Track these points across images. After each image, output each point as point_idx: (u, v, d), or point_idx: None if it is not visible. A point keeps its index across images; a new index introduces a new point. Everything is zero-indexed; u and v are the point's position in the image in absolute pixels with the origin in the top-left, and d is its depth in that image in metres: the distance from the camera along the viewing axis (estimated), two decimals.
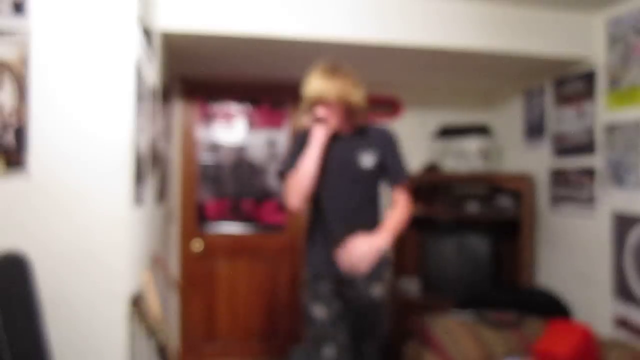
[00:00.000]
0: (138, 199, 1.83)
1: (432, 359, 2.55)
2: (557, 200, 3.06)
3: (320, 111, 1.99)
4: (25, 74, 1.62)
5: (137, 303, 1.73)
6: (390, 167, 2.08)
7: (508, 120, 3.60)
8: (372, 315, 2.10)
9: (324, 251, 2.05)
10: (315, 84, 1.99)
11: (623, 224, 2.54)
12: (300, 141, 2.10)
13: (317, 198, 2.07)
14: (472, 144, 3.37)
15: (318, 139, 1.98)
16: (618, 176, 2.59)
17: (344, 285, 2.04)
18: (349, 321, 2.07)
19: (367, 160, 2.04)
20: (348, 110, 2.02)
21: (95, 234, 1.66)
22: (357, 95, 2.02)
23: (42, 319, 1.47)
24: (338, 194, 2.03)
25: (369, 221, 2.04)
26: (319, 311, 2.03)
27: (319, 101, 1.98)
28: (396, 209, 2.05)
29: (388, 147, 2.10)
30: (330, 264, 2.00)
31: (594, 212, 2.75)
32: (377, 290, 2.07)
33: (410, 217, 2.07)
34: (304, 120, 2.12)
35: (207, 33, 2.38)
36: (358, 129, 2.10)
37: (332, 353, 1.99)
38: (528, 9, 2.68)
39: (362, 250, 1.86)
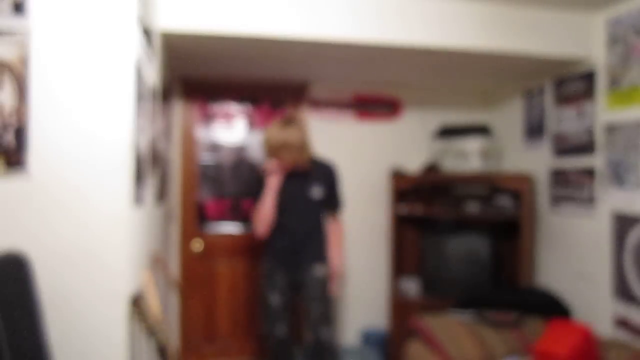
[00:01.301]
0: (138, 198, 1.83)
1: (432, 359, 2.55)
2: (557, 200, 3.06)
3: (271, 164, 2.64)
4: (25, 74, 1.62)
5: (137, 303, 1.73)
6: (331, 197, 2.76)
7: (508, 120, 3.60)
8: (318, 290, 2.68)
9: (281, 253, 2.70)
10: (274, 134, 2.60)
11: (623, 224, 2.55)
12: (261, 180, 2.74)
13: (278, 217, 2.68)
14: (472, 144, 3.37)
15: (271, 187, 2.65)
16: (618, 176, 2.59)
17: (293, 271, 2.69)
18: (301, 300, 2.71)
19: (316, 192, 2.70)
20: (300, 151, 2.62)
21: (95, 233, 1.66)
22: (308, 140, 2.68)
23: (42, 319, 1.47)
24: (295, 216, 2.69)
25: (317, 233, 2.74)
26: (275, 298, 2.68)
27: (276, 149, 2.59)
28: (335, 236, 2.79)
29: (332, 181, 2.76)
30: (285, 261, 2.69)
31: (594, 212, 2.75)
32: (320, 271, 2.69)
33: (340, 236, 2.84)
34: (266, 163, 2.70)
35: (207, 33, 2.38)
36: (310, 165, 2.70)
37: (284, 330, 2.68)
38: (528, 9, 2.69)
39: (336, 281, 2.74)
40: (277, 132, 2.59)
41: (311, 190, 2.70)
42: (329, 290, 2.71)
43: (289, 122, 2.63)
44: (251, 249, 3.47)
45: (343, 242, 2.82)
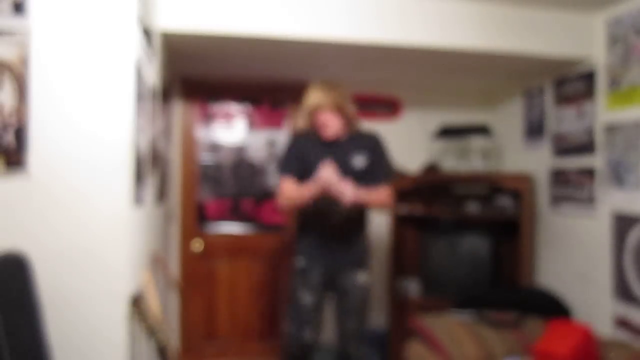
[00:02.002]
0: (138, 198, 1.83)
1: (432, 359, 2.55)
2: (557, 200, 3.06)
3: (323, 117, 2.30)
4: (25, 74, 1.62)
5: (137, 303, 1.73)
6: (377, 167, 2.38)
7: (508, 120, 3.60)
8: (357, 301, 2.40)
9: (316, 243, 2.40)
10: (315, 94, 2.30)
11: (623, 224, 2.54)
12: (297, 145, 2.43)
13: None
14: (472, 144, 3.37)
15: (322, 181, 2.19)
16: (618, 176, 2.59)
17: (332, 273, 2.39)
18: (335, 307, 2.44)
19: (359, 161, 2.35)
20: (343, 119, 2.33)
21: (95, 233, 1.66)
22: (350, 107, 2.36)
23: (42, 319, 1.47)
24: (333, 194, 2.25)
25: (359, 219, 2.42)
26: (307, 298, 2.38)
27: (318, 110, 2.29)
28: (379, 193, 2.34)
29: (376, 149, 2.41)
30: (323, 255, 2.39)
31: (594, 212, 2.75)
32: (361, 277, 2.40)
33: (386, 206, 2.44)
34: (300, 123, 2.40)
35: (207, 33, 2.38)
36: (351, 134, 2.40)
37: (312, 335, 2.40)
38: (528, 9, 2.68)
39: (332, 177, 2.21)
40: (319, 93, 2.29)
41: (352, 159, 2.35)
42: (369, 304, 2.46)
43: (330, 84, 2.34)
44: (251, 249, 3.48)
45: (382, 204, 2.38)
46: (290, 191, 2.31)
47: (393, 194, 2.42)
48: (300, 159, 2.38)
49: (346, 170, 2.28)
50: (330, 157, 2.29)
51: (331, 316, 2.51)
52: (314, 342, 2.42)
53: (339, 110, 2.30)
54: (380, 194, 2.34)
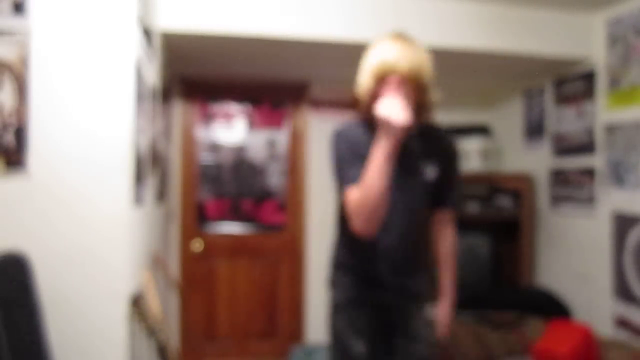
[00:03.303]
0: (138, 198, 1.83)
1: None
2: (557, 200, 3.06)
3: (394, 85, 1.47)
4: (25, 74, 1.62)
5: (137, 303, 1.73)
6: (448, 186, 1.69)
7: (508, 120, 3.60)
8: (426, 349, 1.69)
9: (363, 273, 1.68)
10: (392, 53, 1.49)
11: (623, 224, 2.54)
12: (352, 140, 1.61)
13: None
14: (472, 144, 3.38)
15: (389, 143, 1.42)
16: (618, 176, 2.58)
17: (386, 309, 1.70)
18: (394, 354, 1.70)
19: (431, 172, 1.64)
20: (418, 99, 1.54)
21: (95, 233, 1.66)
22: (431, 81, 1.57)
23: (42, 319, 1.47)
24: (399, 209, 1.60)
25: (424, 242, 1.74)
26: (360, 347, 1.66)
27: (389, 74, 1.48)
28: (450, 250, 1.77)
29: (451, 161, 1.70)
30: (371, 288, 1.68)
31: (594, 212, 2.75)
32: (428, 316, 1.73)
33: (455, 253, 1.81)
34: (363, 91, 1.57)
35: (207, 33, 2.38)
36: (421, 128, 1.65)
37: None
38: (528, 9, 2.68)
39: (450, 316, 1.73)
40: (401, 52, 1.50)
41: (424, 168, 1.64)
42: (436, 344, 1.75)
43: (410, 40, 1.57)
44: (251, 249, 3.48)
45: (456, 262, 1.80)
46: (360, 195, 1.48)
47: (456, 233, 1.79)
48: (361, 157, 1.54)
49: (414, 179, 1.63)
50: (400, 164, 1.57)
51: None
52: None
53: (421, 84, 1.52)
54: (454, 252, 1.78)
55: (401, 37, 1.56)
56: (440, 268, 1.78)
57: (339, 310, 1.71)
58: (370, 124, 1.58)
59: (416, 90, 1.52)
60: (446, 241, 1.77)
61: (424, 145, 1.65)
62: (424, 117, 1.62)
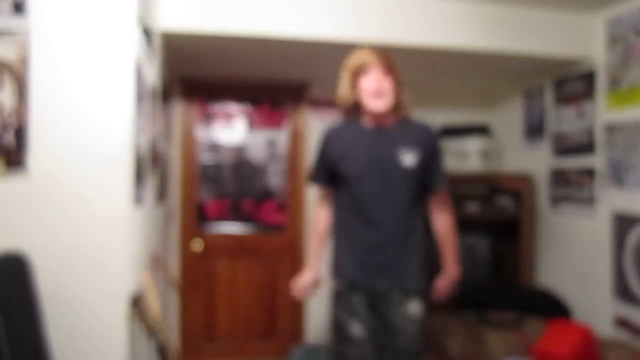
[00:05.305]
0: (138, 199, 1.83)
1: (432, 359, 2.55)
2: (557, 200, 3.06)
3: (372, 78, 1.75)
4: (25, 74, 1.62)
5: (137, 303, 1.73)
6: (433, 170, 1.88)
7: (508, 120, 3.60)
8: (406, 336, 1.83)
9: (357, 258, 1.85)
10: (362, 52, 1.80)
11: (623, 224, 2.54)
12: (328, 144, 1.91)
13: (350, 197, 1.85)
14: (472, 144, 3.37)
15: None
16: (618, 176, 2.58)
17: (377, 299, 1.85)
18: (380, 340, 1.85)
19: (409, 158, 1.81)
20: (394, 92, 1.80)
21: (95, 233, 1.66)
22: (401, 79, 1.84)
23: (42, 319, 1.47)
24: (376, 193, 1.81)
25: (410, 229, 1.86)
26: (357, 329, 1.82)
27: (365, 69, 1.76)
28: (446, 228, 1.97)
29: (431, 147, 1.88)
30: (364, 273, 1.84)
31: (594, 212, 2.75)
32: (414, 308, 1.84)
33: (453, 229, 2.00)
34: (343, 93, 1.87)
35: (207, 33, 2.38)
36: (399, 122, 1.86)
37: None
38: (528, 9, 2.68)
39: (448, 288, 2.01)
40: (367, 51, 1.82)
41: (401, 154, 1.80)
42: (425, 341, 1.92)
43: (379, 50, 1.85)
44: (251, 249, 3.48)
45: (456, 236, 2.00)
46: (315, 218, 2.00)
47: (451, 210, 2.00)
48: (332, 161, 1.88)
49: (393, 167, 1.80)
50: (373, 149, 1.81)
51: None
52: None
53: (392, 75, 1.78)
54: (450, 228, 1.98)
55: (375, 47, 1.85)
56: (441, 247, 1.98)
57: (339, 296, 1.89)
58: (354, 121, 1.87)
59: (391, 80, 1.77)
60: (442, 221, 1.96)
61: (401, 135, 1.83)
62: (400, 113, 1.85)
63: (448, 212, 1.97)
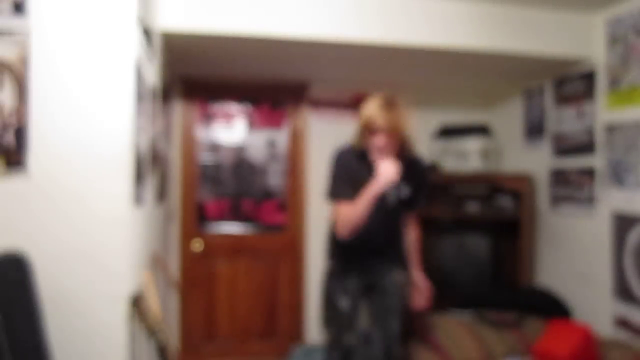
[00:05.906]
0: (138, 199, 1.83)
1: (432, 359, 2.55)
2: (557, 200, 3.06)
3: (378, 141, 2.10)
4: (25, 74, 1.62)
5: (137, 303, 1.73)
6: (416, 199, 2.30)
7: (508, 120, 3.60)
8: (393, 296, 2.27)
9: (356, 256, 2.29)
10: (374, 112, 2.10)
11: (623, 224, 2.54)
12: (348, 164, 2.21)
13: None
14: (472, 144, 3.38)
15: (378, 188, 2.06)
16: (618, 176, 2.59)
17: (366, 275, 2.28)
18: (372, 305, 2.30)
19: (405, 191, 2.24)
20: (398, 142, 2.14)
21: (95, 233, 1.66)
22: (408, 129, 2.17)
23: (42, 319, 1.47)
24: (379, 217, 2.18)
25: (398, 237, 2.36)
26: (345, 302, 2.26)
27: (374, 129, 2.09)
28: (416, 238, 2.42)
29: (422, 182, 2.33)
30: (359, 264, 2.29)
31: (594, 212, 2.75)
32: (399, 276, 2.30)
33: (420, 239, 2.46)
34: (356, 140, 2.22)
35: (207, 33, 2.38)
36: (404, 159, 2.20)
37: (353, 339, 2.26)
38: (528, 9, 2.68)
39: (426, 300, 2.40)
40: (378, 112, 2.09)
41: (401, 188, 2.23)
42: (410, 302, 2.36)
43: (392, 102, 2.12)
44: (251, 249, 3.48)
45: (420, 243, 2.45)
46: (348, 212, 2.14)
47: (419, 226, 2.47)
48: (352, 179, 2.19)
49: (391, 198, 2.21)
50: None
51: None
52: (354, 349, 2.27)
53: (397, 134, 2.11)
54: (419, 239, 2.44)
55: (387, 100, 2.11)
56: (409, 253, 2.40)
57: (334, 274, 2.31)
58: (361, 154, 2.20)
59: (396, 138, 2.11)
60: (412, 233, 2.42)
61: (405, 171, 2.16)
62: (404, 151, 2.21)
63: (418, 226, 2.45)
